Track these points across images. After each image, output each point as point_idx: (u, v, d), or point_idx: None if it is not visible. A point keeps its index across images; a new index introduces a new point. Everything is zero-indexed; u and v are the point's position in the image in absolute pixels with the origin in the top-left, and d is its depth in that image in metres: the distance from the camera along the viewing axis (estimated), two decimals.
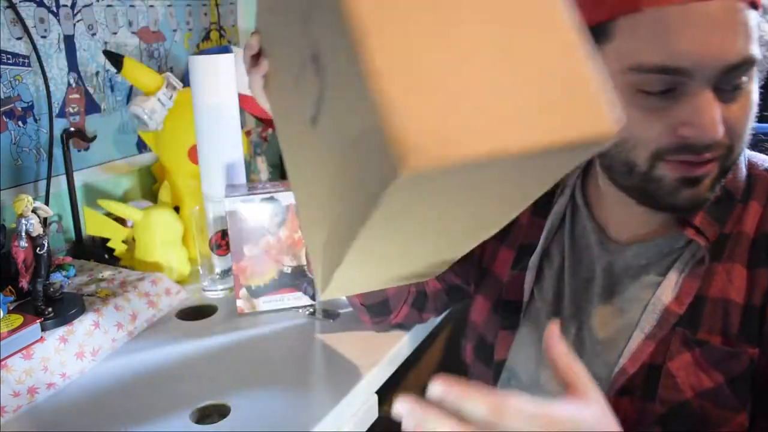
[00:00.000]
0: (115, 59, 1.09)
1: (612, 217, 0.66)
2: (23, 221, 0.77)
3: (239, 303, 0.94)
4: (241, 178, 1.03)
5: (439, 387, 0.42)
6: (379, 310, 0.83)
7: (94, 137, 1.16)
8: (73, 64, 1.15)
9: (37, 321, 0.77)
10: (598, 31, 0.53)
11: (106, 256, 1.10)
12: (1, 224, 0.96)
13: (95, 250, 1.11)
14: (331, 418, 0.71)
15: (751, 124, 0.55)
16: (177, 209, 1.15)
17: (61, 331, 0.79)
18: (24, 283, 0.80)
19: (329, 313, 0.93)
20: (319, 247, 0.51)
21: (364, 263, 0.49)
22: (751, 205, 0.60)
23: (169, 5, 1.34)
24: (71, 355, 0.79)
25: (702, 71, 0.51)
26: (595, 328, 0.64)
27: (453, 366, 1.57)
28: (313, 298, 0.96)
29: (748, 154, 0.63)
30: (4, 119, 1.04)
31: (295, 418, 0.70)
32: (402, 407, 0.42)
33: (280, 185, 0.93)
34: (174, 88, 1.12)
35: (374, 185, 0.32)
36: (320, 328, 0.90)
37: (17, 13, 1.03)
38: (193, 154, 1.12)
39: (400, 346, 0.86)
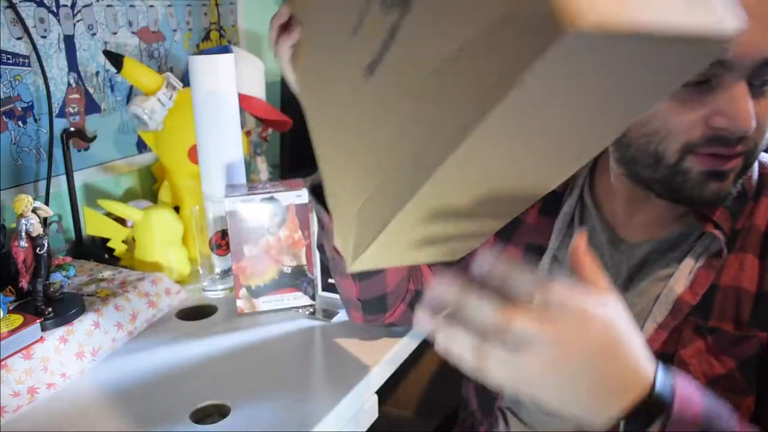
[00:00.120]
0: (115, 59, 1.09)
1: (622, 216, 0.66)
2: (23, 221, 0.77)
3: (239, 303, 0.94)
4: (241, 178, 1.03)
5: (487, 258, 0.40)
6: (375, 306, 0.81)
7: (94, 137, 1.16)
8: (73, 64, 1.15)
9: (37, 321, 0.77)
10: None
11: (106, 256, 1.10)
12: (1, 224, 0.96)
13: (95, 250, 1.11)
14: (331, 418, 0.71)
15: None
16: (177, 209, 1.15)
17: (61, 331, 0.79)
18: (24, 283, 0.80)
19: (329, 313, 0.93)
20: (353, 213, 0.50)
21: (439, 201, 0.46)
22: (762, 201, 0.61)
23: (169, 5, 1.34)
24: (71, 355, 0.79)
25: (741, 63, 0.51)
26: None
27: (453, 367, 1.57)
28: (313, 298, 0.96)
29: None
30: (4, 119, 1.04)
31: (295, 418, 0.70)
32: (436, 288, 0.40)
33: (280, 185, 0.93)
34: (174, 88, 1.12)
35: (521, 61, 0.32)
36: (320, 328, 0.90)
37: (17, 13, 1.03)
38: (193, 154, 1.12)
39: (400, 346, 0.86)
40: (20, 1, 1.04)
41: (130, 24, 1.26)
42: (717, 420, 0.44)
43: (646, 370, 0.43)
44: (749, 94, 0.52)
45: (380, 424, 0.83)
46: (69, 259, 1.00)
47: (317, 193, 0.71)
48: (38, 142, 1.10)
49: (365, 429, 0.81)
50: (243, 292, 0.94)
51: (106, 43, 1.21)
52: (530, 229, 0.72)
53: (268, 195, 0.91)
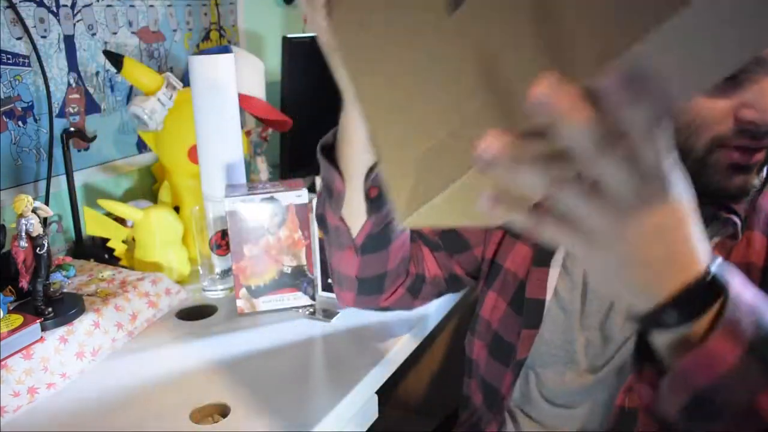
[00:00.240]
0: (115, 59, 1.09)
1: None
2: (23, 221, 0.77)
3: (239, 303, 0.94)
4: (241, 178, 1.03)
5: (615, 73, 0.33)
6: (371, 286, 0.77)
7: (94, 137, 1.16)
8: (73, 64, 1.15)
9: (37, 321, 0.77)
10: None
11: (106, 256, 1.10)
12: (1, 224, 0.96)
13: (95, 250, 1.11)
14: (331, 418, 0.71)
15: None
16: (177, 209, 1.15)
17: (61, 331, 0.79)
18: (24, 283, 0.80)
19: (329, 313, 0.93)
20: (411, 160, 0.44)
21: None
22: None
23: (169, 5, 1.34)
24: (71, 355, 0.79)
25: None
26: (622, 315, 0.66)
27: (453, 366, 1.57)
28: (313, 298, 0.96)
29: None
30: (4, 119, 1.04)
31: (295, 418, 0.70)
32: (543, 88, 0.30)
33: (280, 185, 0.93)
34: (174, 88, 1.12)
35: None
36: (320, 328, 0.90)
37: (17, 13, 1.03)
38: (193, 154, 1.12)
39: (400, 346, 0.86)
40: (20, 1, 1.04)
41: (130, 24, 1.26)
42: (766, 314, 0.43)
43: (706, 252, 0.42)
44: None
45: (380, 424, 0.84)
46: (69, 259, 1.00)
47: (328, 154, 0.68)
48: (38, 142, 1.10)
49: (365, 429, 0.81)
50: (243, 292, 0.94)
51: (106, 43, 1.21)
52: None
53: (268, 195, 0.91)
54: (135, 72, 1.10)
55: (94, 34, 1.18)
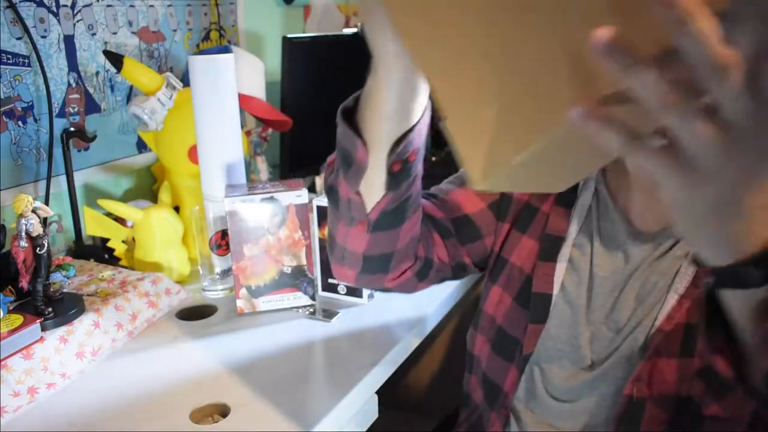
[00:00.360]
0: (115, 59, 1.09)
1: (638, 206, 0.68)
2: (23, 221, 0.78)
3: (239, 303, 0.94)
4: (241, 178, 1.03)
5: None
6: (377, 265, 0.72)
7: (94, 137, 1.16)
8: (73, 64, 1.15)
9: (37, 321, 0.77)
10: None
11: (106, 256, 1.10)
12: (1, 224, 0.96)
13: (95, 250, 1.11)
14: (331, 418, 0.71)
15: None
16: (177, 209, 1.15)
17: (61, 331, 0.79)
18: (24, 283, 0.80)
19: (329, 313, 0.93)
20: (487, 115, 0.41)
21: None
22: None
23: (169, 5, 1.34)
24: (71, 355, 0.79)
25: None
26: (628, 309, 0.66)
27: (453, 366, 1.57)
28: (313, 298, 0.96)
29: None
30: (4, 119, 1.04)
31: (295, 418, 0.70)
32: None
33: (280, 185, 0.93)
34: (174, 88, 1.12)
35: None
36: (320, 328, 0.90)
37: (17, 13, 1.03)
38: (193, 154, 1.12)
39: (400, 346, 0.86)
40: (20, 1, 1.04)
41: (130, 24, 1.26)
42: None
43: None
44: None
45: (380, 424, 0.84)
46: (69, 259, 1.00)
47: (348, 117, 0.63)
48: (38, 142, 1.10)
49: (365, 429, 0.81)
50: (243, 292, 0.94)
51: (106, 43, 1.21)
52: (546, 218, 0.73)
53: (268, 195, 0.91)
54: (135, 72, 1.10)
55: (94, 34, 1.18)
